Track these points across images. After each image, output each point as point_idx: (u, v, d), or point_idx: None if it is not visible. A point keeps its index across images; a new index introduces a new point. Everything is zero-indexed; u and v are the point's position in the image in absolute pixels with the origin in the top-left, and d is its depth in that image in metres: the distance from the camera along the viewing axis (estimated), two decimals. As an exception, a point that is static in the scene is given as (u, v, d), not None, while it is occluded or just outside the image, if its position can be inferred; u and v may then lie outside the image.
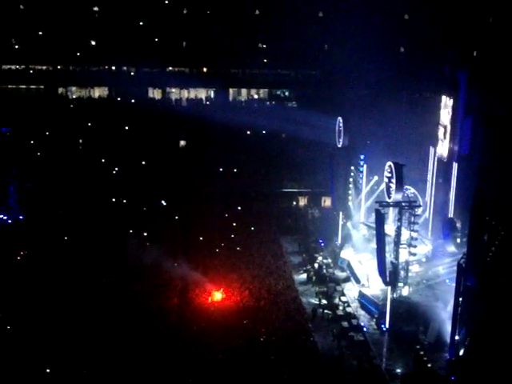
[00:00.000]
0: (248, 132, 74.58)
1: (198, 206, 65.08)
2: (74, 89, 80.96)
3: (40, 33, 75.99)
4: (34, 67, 79.13)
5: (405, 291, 44.26)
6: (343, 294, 48.00)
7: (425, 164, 51.17)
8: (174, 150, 75.06)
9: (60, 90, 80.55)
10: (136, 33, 75.92)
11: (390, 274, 42.75)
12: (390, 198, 46.18)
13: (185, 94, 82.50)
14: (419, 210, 45.86)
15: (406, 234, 43.64)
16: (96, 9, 76.09)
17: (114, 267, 50.05)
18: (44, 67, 79.24)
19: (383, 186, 48.71)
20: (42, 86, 79.79)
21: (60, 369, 35.57)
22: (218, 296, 46.31)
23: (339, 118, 58.77)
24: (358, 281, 49.51)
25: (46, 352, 37.18)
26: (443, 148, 47.86)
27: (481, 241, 37.60)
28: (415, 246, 43.40)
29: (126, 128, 74.54)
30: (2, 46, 75.96)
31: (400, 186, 45.30)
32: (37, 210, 63.55)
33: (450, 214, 47.36)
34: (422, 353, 37.51)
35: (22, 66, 78.99)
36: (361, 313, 45.24)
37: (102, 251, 53.05)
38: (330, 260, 54.93)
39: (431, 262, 48.95)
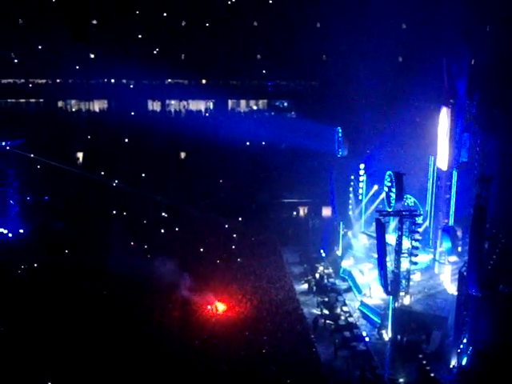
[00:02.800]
0: (247, 143, 74.64)
1: (198, 217, 65.02)
2: (73, 102, 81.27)
3: (39, 47, 76.40)
4: (34, 81, 79.48)
5: (406, 300, 44.08)
6: (345, 304, 47.88)
7: (425, 172, 51.14)
8: (174, 162, 75.08)
9: (59, 103, 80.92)
10: (135, 45, 76.23)
11: (392, 284, 42.60)
12: (390, 207, 46.29)
13: (184, 105, 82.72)
14: (420, 219, 45.83)
15: (406, 243, 43.59)
16: (94, 22, 76.34)
17: (114, 280, 49.83)
18: (43, 81, 79.61)
19: (383, 195, 48.78)
20: (41, 100, 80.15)
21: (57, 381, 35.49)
22: (219, 307, 46.20)
23: (338, 127, 59.02)
24: (359, 290, 49.39)
25: (44, 367, 37.00)
26: (443, 156, 47.83)
27: (482, 249, 37.50)
28: (416, 255, 43.31)
29: (126, 140, 74.63)
30: (1, 60, 76.34)
31: (400, 195, 45.41)
32: (38, 223, 63.52)
33: (451, 223, 47.32)
34: (424, 362, 37.42)
35: (22, 80, 79.35)
36: (362, 322, 45.13)
37: (103, 264, 52.86)
38: (331, 270, 54.84)
39: (432, 270, 48.98)
